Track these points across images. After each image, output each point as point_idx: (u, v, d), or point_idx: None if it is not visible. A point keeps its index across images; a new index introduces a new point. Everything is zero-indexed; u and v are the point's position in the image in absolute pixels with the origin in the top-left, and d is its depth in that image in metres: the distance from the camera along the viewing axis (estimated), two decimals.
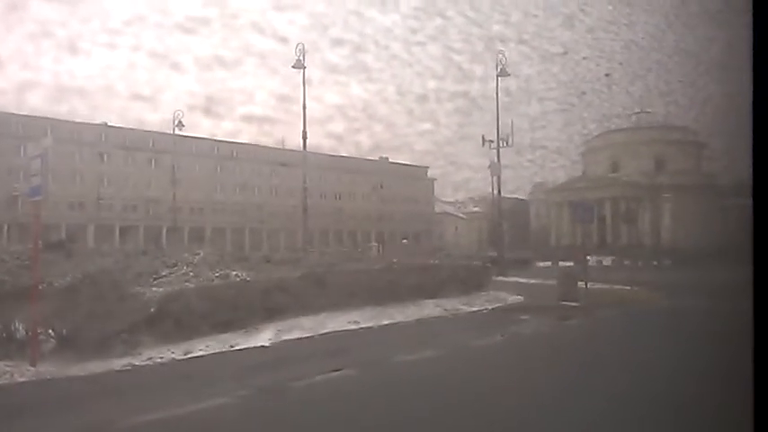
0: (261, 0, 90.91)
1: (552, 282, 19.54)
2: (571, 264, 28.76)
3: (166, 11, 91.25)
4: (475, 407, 6.57)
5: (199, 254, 15.80)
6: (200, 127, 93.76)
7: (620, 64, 56.72)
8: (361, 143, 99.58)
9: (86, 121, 57.06)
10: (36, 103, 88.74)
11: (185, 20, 75.58)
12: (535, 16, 73.88)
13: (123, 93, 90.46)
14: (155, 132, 55.28)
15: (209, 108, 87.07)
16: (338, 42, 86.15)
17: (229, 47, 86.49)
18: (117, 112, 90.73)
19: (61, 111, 74.71)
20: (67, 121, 53.19)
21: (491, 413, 6.38)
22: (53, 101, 68.12)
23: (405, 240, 64.75)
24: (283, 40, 75.75)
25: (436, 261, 23.10)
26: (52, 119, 49.71)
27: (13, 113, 50.67)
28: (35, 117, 49.17)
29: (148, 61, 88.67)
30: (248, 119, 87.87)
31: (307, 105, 28.70)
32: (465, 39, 79.69)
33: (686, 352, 8.85)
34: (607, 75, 50.02)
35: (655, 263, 42.05)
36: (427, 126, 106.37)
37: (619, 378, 7.55)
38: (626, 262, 36.64)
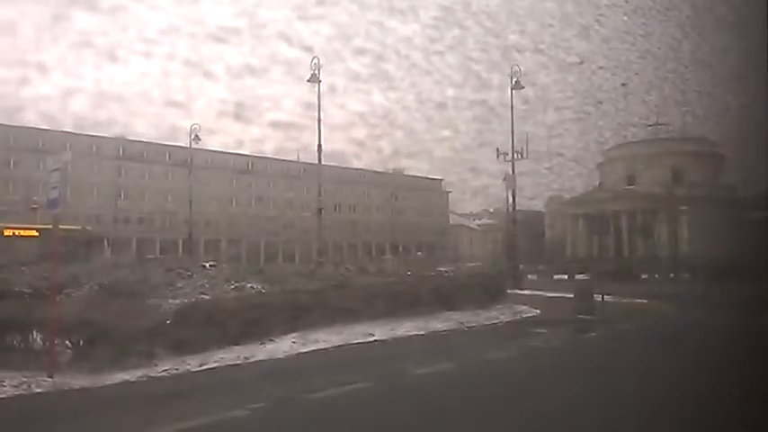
0: (287, 11, 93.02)
1: (568, 294, 19.38)
2: (587, 276, 28.58)
3: (200, 21, 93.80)
4: (491, 421, 6.51)
5: (207, 265, 15.68)
6: (231, 132, 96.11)
7: (637, 74, 56.61)
8: (381, 149, 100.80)
9: (104, 135, 57.85)
10: (77, 109, 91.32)
11: (217, 30, 77.78)
12: (551, 26, 74.25)
13: (158, 99, 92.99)
14: (171, 145, 55.87)
15: (239, 114, 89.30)
16: (360, 51, 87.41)
17: (258, 55, 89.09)
18: (152, 118, 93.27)
19: (100, 116, 77.29)
20: (86, 135, 53.97)
21: (507, 428, 6.33)
22: (93, 107, 70.75)
23: (419, 252, 64.69)
24: (308, 49, 77.44)
25: (451, 273, 23.01)
26: (71, 132, 50.48)
27: (34, 128, 51.56)
28: (54, 131, 49.96)
29: (182, 69, 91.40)
30: (275, 125, 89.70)
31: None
32: (482, 48, 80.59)
33: (703, 365, 8.73)
34: (623, 84, 49.81)
35: (672, 276, 41.63)
36: (446, 133, 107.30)
37: (636, 393, 7.45)
38: (643, 275, 36.27)
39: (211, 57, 77.71)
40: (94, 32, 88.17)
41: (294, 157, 63.23)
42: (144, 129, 52.39)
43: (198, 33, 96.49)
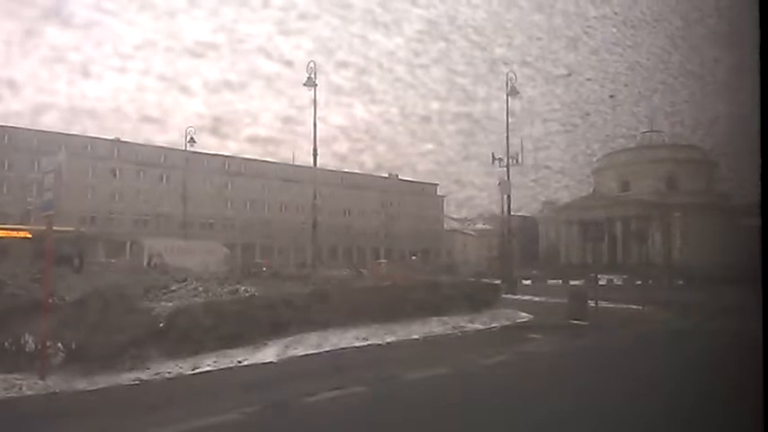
0: (268, 25, 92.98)
1: (562, 300, 19.42)
2: (581, 282, 28.66)
3: (176, 36, 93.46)
4: (485, 427, 6.52)
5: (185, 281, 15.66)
6: (208, 147, 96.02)
7: (625, 85, 57.12)
8: (365, 163, 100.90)
9: (99, 137, 57.69)
10: (50, 125, 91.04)
11: (194, 45, 77.20)
12: (539, 39, 74.56)
13: (133, 114, 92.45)
14: (166, 148, 55.79)
15: (217, 129, 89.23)
16: (343, 65, 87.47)
17: (236, 70, 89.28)
18: (127, 134, 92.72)
19: (72, 132, 76.73)
20: (80, 136, 53.78)
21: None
22: (66, 122, 70.24)
23: (413, 257, 64.72)
24: (289, 63, 77.60)
25: (445, 278, 23.03)
26: (66, 134, 50.29)
27: (29, 129, 51.38)
28: (49, 132, 49.79)
29: (158, 84, 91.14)
30: (254, 139, 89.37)
31: (315, 123, 28.75)
32: (468, 61, 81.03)
33: (696, 372, 8.76)
34: (611, 96, 50.06)
35: (665, 282, 41.76)
36: (430, 146, 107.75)
37: (628, 398, 7.47)
38: (637, 281, 36.35)
39: (188, 72, 78.21)
40: (68, 47, 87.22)
41: (288, 162, 63.12)
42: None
43: (174, 48, 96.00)
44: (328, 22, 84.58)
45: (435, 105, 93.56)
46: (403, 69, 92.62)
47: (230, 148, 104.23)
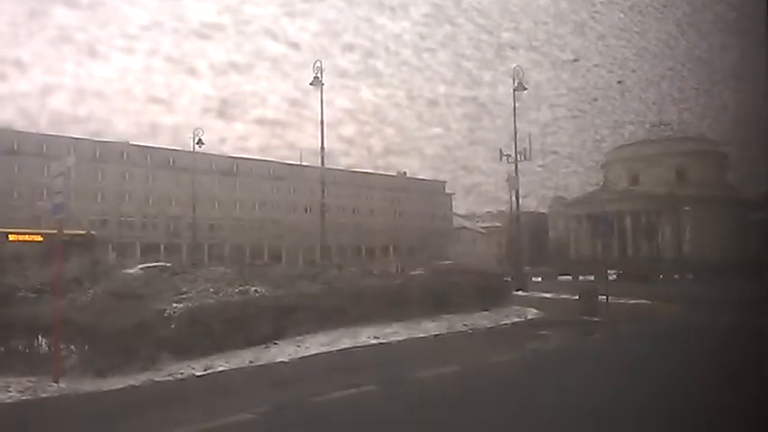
0: (273, 7, 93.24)
1: (572, 296, 19.36)
2: (591, 278, 28.56)
3: (183, 17, 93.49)
4: (498, 424, 6.51)
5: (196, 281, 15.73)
6: (214, 130, 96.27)
7: (633, 71, 56.64)
8: (372, 146, 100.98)
9: (109, 140, 57.95)
10: (56, 106, 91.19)
11: (201, 26, 77.14)
12: (545, 23, 74.37)
13: (140, 96, 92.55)
14: (175, 150, 55.94)
15: (223, 111, 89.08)
16: (349, 48, 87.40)
17: (243, 52, 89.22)
18: (134, 115, 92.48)
19: (80, 113, 76.87)
20: (90, 140, 54.04)
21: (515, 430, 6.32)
22: (72, 103, 70.39)
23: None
24: (295, 45, 77.69)
25: (455, 276, 22.95)
26: (75, 137, 50.52)
27: (37, 133, 51.69)
28: (57, 136, 50.08)
29: (165, 65, 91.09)
30: (260, 122, 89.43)
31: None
32: (475, 45, 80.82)
33: (707, 366, 8.70)
34: (620, 82, 49.58)
35: (676, 276, 41.59)
36: (437, 130, 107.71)
37: (639, 394, 7.44)
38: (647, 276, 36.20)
39: (195, 53, 78.18)
40: (74, 28, 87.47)
41: (296, 159, 63.24)
42: (124, 126, 52.88)
43: (181, 29, 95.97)
44: (334, 5, 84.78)
45: (442, 89, 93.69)
46: (409, 53, 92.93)
47: (237, 129, 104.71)
